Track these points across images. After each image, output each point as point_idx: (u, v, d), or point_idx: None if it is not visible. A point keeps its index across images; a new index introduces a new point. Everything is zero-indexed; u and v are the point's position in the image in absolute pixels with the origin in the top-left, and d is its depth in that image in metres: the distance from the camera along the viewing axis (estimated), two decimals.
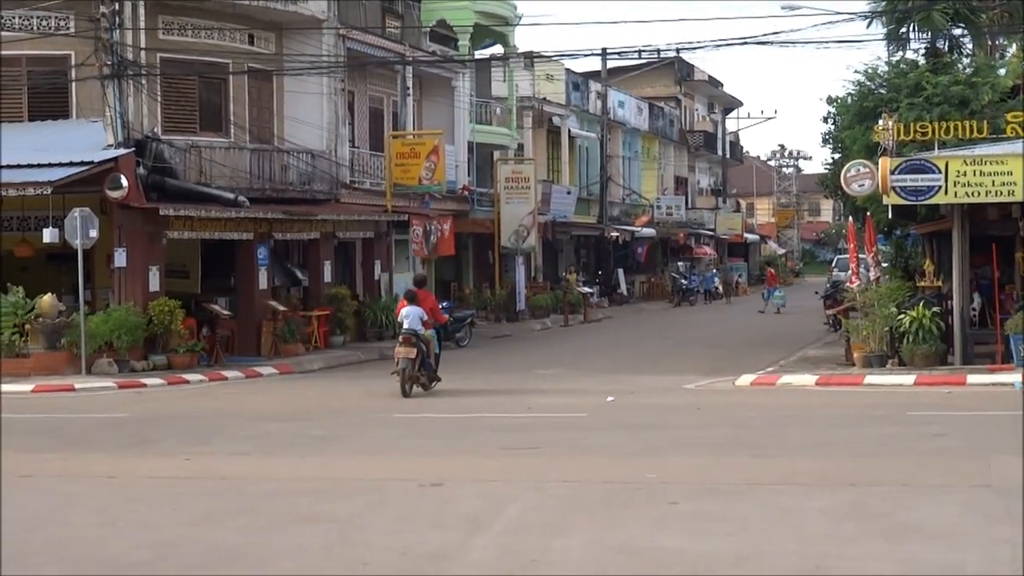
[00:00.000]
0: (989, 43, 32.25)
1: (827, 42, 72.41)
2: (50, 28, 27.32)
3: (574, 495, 11.68)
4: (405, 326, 20.71)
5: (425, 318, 20.90)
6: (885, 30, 30.05)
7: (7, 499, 11.89)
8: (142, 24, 26.75)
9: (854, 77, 29.30)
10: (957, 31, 30.34)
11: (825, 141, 32.10)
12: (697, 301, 58.19)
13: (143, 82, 26.80)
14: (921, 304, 22.97)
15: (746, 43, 31.26)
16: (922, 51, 30.17)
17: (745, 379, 22.77)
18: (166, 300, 25.92)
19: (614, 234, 55.29)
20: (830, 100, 30.62)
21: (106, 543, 10.13)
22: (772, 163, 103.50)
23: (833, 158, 32.21)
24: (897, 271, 31.33)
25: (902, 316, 22.96)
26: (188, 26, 28.69)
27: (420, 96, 39.16)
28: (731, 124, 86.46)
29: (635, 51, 50.93)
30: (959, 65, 29.03)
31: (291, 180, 30.12)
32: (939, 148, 23.03)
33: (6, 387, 22.93)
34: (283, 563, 9.36)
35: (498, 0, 42.92)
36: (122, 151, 25.56)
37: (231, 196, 27.10)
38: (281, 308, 29.17)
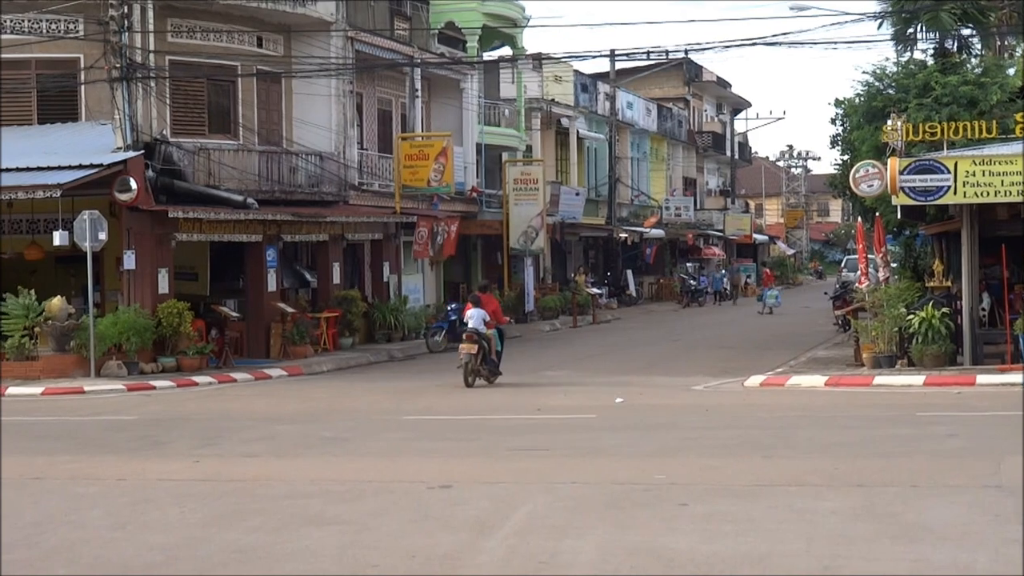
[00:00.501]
0: (998, 43, 32.19)
1: (836, 43, 72.71)
2: (59, 31, 27.41)
3: (584, 496, 11.68)
4: (469, 325, 22.74)
5: (487, 319, 22.90)
6: (893, 30, 30.01)
7: (18, 501, 11.93)
8: (151, 27, 26.79)
9: (863, 77, 29.29)
10: (966, 31, 30.28)
11: (834, 143, 32.08)
12: (706, 302, 58.14)
13: (152, 85, 26.84)
14: (930, 304, 22.94)
15: (755, 44, 31.58)
16: (931, 51, 30.14)
17: (754, 380, 22.77)
18: (175, 302, 25.96)
19: (623, 235, 55.27)
20: (838, 103, 30.60)
21: (117, 545, 10.15)
22: (781, 164, 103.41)
23: (842, 159, 32.17)
24: (906, 271, 31.32)
25: (911, 316, 22.94)
26: (197, 29, 28.76)
27: (429, 98, 39.21)
28: (740, 125, 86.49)
29: (644, 52, 50.57)
30: (968, 65, 28.97)
31: (300, 182, 30.15)
32: (948, 148, 23.01)
33: (16, 390, 23.03)
34: (293, 565, 9.37)
35: (506, 2, 42.94)
36: (131, 154, 25.60)
37: (240, 198, 27.13)
38: (290, 310, 29.19)
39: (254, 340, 28.55)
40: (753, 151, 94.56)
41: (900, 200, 22.43)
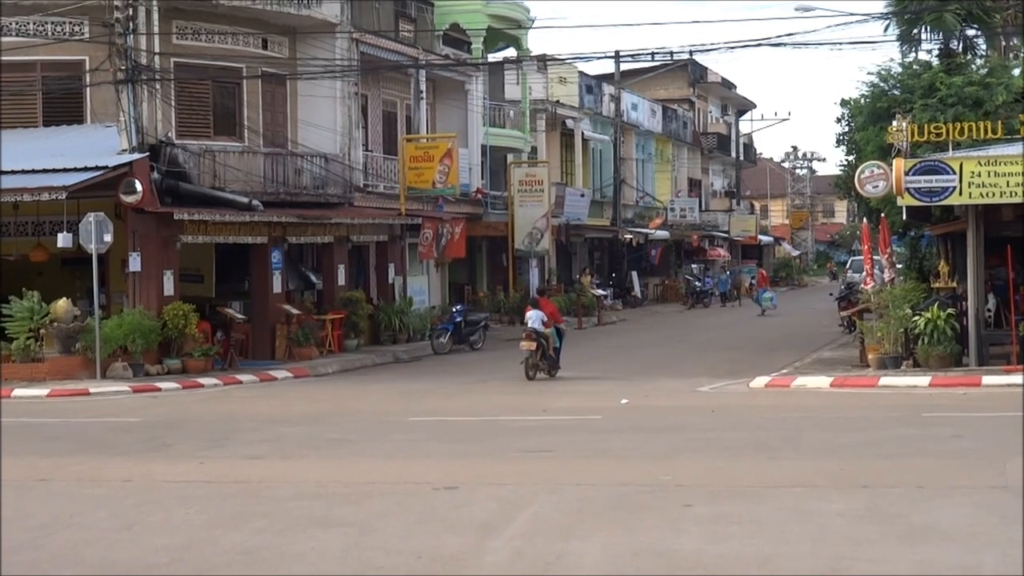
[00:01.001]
0: (1003, 44, 32.19)
1: (841, 43, 72.02)
2: (65, 33, 27.45)
3: (589, 498, 11.68)
4: (528, 325, 24.78)
5: (545, 319, 24.88)
6: (898, 31, 30.00)
7: (24, 503, 11.95)
8: (156, 29, 26.82)
9: (868, 78, 29.29)
10: (971, 32, 30.27)
11: (839, 143, 32.07)
12: (711, 303, 58.07)
13: (157, 87, 26.86)
14: (936, 305, 22.92)
15: (760, 45, 31.68)
16: (936, 52, 30.12)
17: (760, 381, 22.75)
18: (180, 304, 25.97)
19: (628, 236, 55.24)
20: (844, 103, 30.60)
21: (122, 546, 10.16)
22: (786, 165, 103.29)
23: (847, 159, 32.16)
24: (912, 272, 31.27)
25: (917, 317, 22.92)
26: (202, 31, 28.79)
27: (433, 99, 39.22)
28: (745, 126, 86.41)
29: (648, 53, 50.67)
30: (973, 66, 28.96)
31: (305, 184, 30.17)
32: (953, 149, 22.99)
33: (21, 391, 23.06)
34: (299, 566, 9.38)
35: (511, 3, 42.95)
36: (136, 156, 25.62)
37: (245, 200, 27.14)
38: (295, 312, 29.21)
39: (259, 342, 28.56)
40: (758, 152, 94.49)
41: (905, 201, 22.42)
